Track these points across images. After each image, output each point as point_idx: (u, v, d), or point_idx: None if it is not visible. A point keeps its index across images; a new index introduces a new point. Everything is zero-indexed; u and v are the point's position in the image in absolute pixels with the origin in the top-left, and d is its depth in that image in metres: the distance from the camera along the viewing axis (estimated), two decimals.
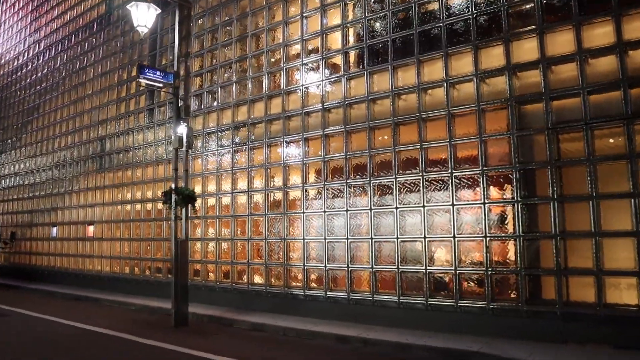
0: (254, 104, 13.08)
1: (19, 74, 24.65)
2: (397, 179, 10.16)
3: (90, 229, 17.80)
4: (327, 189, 11.29)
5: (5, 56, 26.39)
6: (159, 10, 11.14)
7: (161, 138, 15.42)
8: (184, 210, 11.39)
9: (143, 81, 11.00)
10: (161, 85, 11.33)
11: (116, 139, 17.35)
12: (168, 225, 14.74)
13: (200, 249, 13.69)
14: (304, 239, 11.51)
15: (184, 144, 11.30)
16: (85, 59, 19.67)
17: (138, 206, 15.96)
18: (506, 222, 8.89)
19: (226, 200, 13.39)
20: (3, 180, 24.46)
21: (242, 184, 13.11)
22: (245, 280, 12.65)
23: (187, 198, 11.08)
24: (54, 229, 19.90)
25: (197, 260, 13.73)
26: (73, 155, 19.43)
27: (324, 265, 11.08)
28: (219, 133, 13.76)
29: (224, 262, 13.15)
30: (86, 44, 19.84)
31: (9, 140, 24.42)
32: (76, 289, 16.82)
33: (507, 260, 8.87)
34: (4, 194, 24.11)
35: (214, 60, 14.38)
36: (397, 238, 10.02)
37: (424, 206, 9.76)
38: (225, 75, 13.96)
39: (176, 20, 11.81)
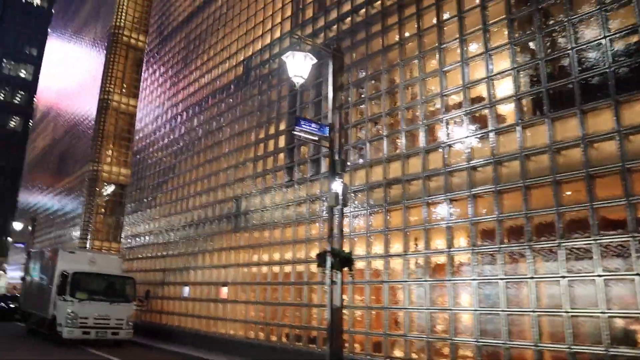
0: (408, 159, 12.05)
1: (156, 135, 25.82)
2: (598, 241, 8.49)
3: (224, 290, 17.32)
4: (503, 253, 9.78)
5: (144, 119, 27.91)
6: (315, 60, 10.59)
7: (302, 197, 14.74)
8: (338, 274, 10.32)
9: (299, 134, 10.36)
10: (316, 138, 10.62)
11: (252, 198, 17.01)
12: (309, 290, 13.80)
13: (348, 318, 12.46)
14: (475, 310, 9.96)
15: (340, 201, 10.38)
16: (222, 118, 19.98)
17: (276, 268, 15.22)
18: None
19: (377, 264, 12.22)
20: (138, 238, 25.22)
21: (396, 247, 11.92)
22: (402, 355, 11.19)
23: (344, 261, 10.04)
24: (186, 289, 19.75)
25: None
26: (207, 214, 19.41)
27: (502, 341, 9.42)
28: (368, 191, 12.78)
29: (376, 333, 11.82)
30: (223, 104, 20.22)
31: (145, 200, 25.32)
32: (208, 353, 16.14)
33: None
34: (139, 252, 24.76)
35: (359, 115, 13.68)
36: (603, 312, 8.22)
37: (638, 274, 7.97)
38: (374, 129, 13.15)
39: (330, 69, 11.24)
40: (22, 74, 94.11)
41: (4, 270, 60.01)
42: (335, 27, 15.32)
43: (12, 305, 30.19)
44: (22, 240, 49.21)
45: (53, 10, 76.90)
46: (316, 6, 16.34)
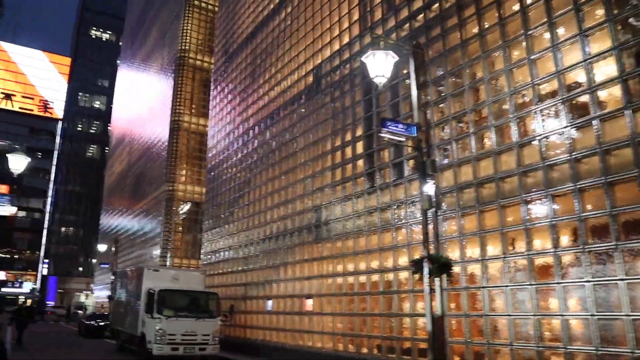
0: (499, 156, 11.32)
1: (229, 151, 26.12)
2: None
3: (309, 302, 17.03)
4: (621, 251, 8.89)
5: (215, 137, 28.37)
6: (397, 58, 10.14)
7: (385, 203, 14.23)
8: (436, 281, 9.76)
9: (386, 135, 9.94)
10: (403, 139, 10.18)
11: (332, 207, 16.65)
12: (399, 298, 13.26)
13: (445, 327, 11.81)
14: (592, 315, 9.09)
15: (433, 203, 9.84)
16: (295, 129, 19.83)
17: (362, 278, 14.76)
18: None
19: (473, 268, 11.53)
20: (217, 254, 25.49)
21: (491, 249, 11.20)
22: None
23: (442, 266, 9.49)
24: (269, 302, 19.64)
25: None
26: (286, 226, 19.24)
27: (629, 350, 8.51)
28: (458, 192, 12.12)
29: (478, 342, 11.11)
30: (295, 115, 20.10)
31: (222, 215, 25.60)
32: None
33: None
34: (219, 267, 25.01)
35: (440, 114, 13.07)
36: None
37: None
38: (459, 127, 12.50)
39: (411, 67, 10.78)
40: (97, 104, 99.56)
41: (91, 290, 62.91)
42: (407, 25, 14.80)
43: (101, 324, 31.38)
44: (106, 261, 51.47)
45: (121, 43, 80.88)
46: (385, 7, 15.89)
